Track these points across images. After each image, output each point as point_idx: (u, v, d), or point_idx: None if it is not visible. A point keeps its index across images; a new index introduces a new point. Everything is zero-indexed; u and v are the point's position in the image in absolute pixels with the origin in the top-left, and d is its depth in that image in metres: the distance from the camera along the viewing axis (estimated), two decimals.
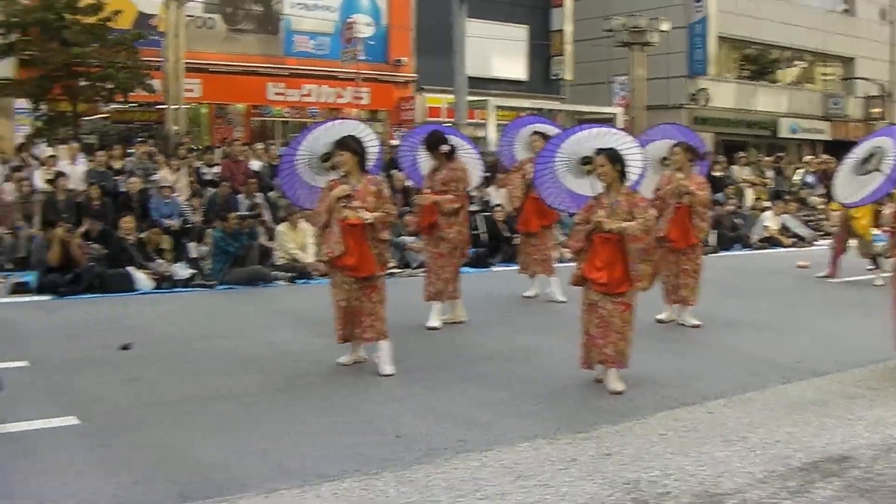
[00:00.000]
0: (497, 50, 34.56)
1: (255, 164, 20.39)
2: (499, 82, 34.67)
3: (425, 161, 11.07)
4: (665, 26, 35.04)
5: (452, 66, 27.19)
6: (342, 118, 10.09)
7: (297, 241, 15.46)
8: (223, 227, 14.72)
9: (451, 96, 28.85)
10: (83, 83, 22.98)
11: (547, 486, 5.46)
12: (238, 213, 15.85)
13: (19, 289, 13.33)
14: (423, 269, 11.57)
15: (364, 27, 31.17)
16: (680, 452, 6.13)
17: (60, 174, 16.91)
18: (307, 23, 30.91)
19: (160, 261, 14.54)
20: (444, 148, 10.63)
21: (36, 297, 12.99)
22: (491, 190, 19.23)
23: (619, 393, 7.69)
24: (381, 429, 6.68)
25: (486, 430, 6.67)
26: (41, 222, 15.55)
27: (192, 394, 7.70)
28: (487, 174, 12.85)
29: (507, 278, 14.11)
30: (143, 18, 26.78)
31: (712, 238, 18.90)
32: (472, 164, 11.24)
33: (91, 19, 22.61)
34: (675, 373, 8.54)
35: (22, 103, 24.96)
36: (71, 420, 6.84)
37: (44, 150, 20.07)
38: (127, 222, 14.56)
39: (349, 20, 30.59)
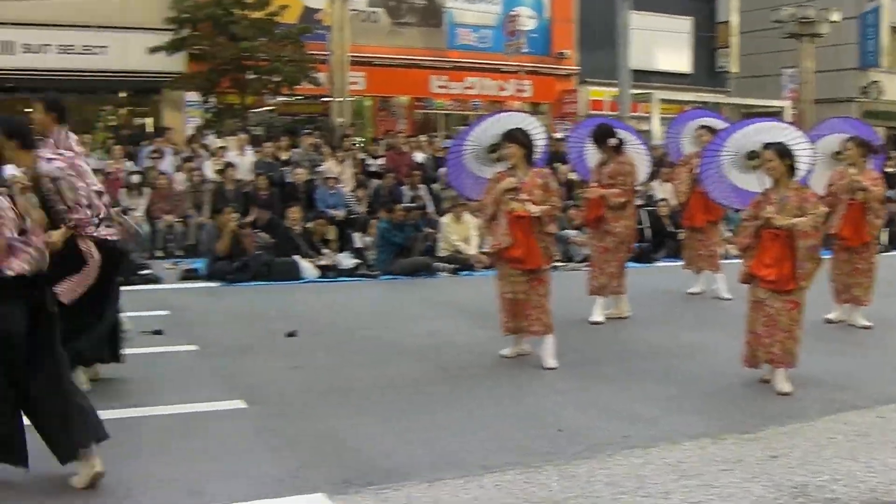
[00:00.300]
0: (661, 42, 34.08)
1: (419, 156, 20.55)
2: (662, 75, 34.13)
3: (592, 154, 10.96)
4: (835, 17, 33.99)
5: (615, 59, 26.94)
6: (510, 110, 10.07)
7: (461, 232, 15.48)
8: (389, 217, 14.86)
9: (613, 89, 28.59)
10: (251, 76, 23.52)
11: (711, 487, 5.35)
12: (404, 204, 16.00)
13: (189, 275, 13.76)
14: (587, 263, 11.47)
15: (527, 20, 31.12)
16: (849, 457, 5.91)
17: (229, 165, 17.38)
18: (470, 16, 30.97)
19: (325, 250, 14.80)
20: (613, 141, 10.50)
21: (205, 284, 13.38)
22: (655, 184, 18.91)
23: (787, 394, 7.47)
24: (544, 422, 6.64)
25: (650, 427, 6.57)
26: (210, 211, 16.01)
27: (356, 382, 7.78)
28: (653, 168, 12.66)
29: (672, 274, 13.88)
30: (309, 13, 27.18)
31: (884, 236, 18.17)
32: (640, 159, 11.08)
33: (259, 14, 23.13)
34: (844, 375, 8.24)
35: (192, 96, 25.75)
36: (238, 403, 7.00)
37: (213, 141, 20.62)
38: (294, 212, 14.84)
39: (512, 13, 30.61)
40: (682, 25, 35.46)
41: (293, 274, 13.79)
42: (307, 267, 13.97)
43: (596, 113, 28.98)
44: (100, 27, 25.35)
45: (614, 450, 5.99)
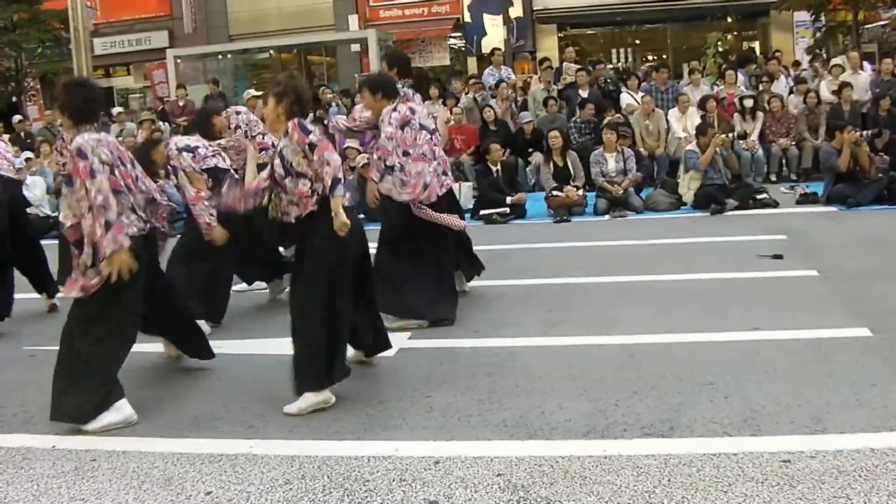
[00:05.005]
0: None
1: None
2: None
3: None
4: None
5: None
6: None
7: None
8: None
9: None
10: None
11: None
12: None
13: (806, 199, 13.49)
14: None
15: None
16: None
17: (845, 84, 16.71)
18: None
19: None
20: None
21: (823, 208, 13.02)
22: None
23: None
24: None
25: None
26: (826, 133, 15.53)
27: None
28: None
29: None
30: None
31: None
32: None
33: None
34: None
35: (801, 16, 25.19)
36: (862, 331, 6.76)
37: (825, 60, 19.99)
38: None
39: None
40: None
41: None
42: None
43: None
44: None
45: None
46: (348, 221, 5.62)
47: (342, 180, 5.65)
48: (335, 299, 5.76)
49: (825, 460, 4.47)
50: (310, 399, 5.71)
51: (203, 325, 7.64)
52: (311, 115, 6.11)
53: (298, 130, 5.70)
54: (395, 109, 7.58)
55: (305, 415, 5.65)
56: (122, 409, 5.69)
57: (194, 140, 8.09)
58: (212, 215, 7.63)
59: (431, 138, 7.77)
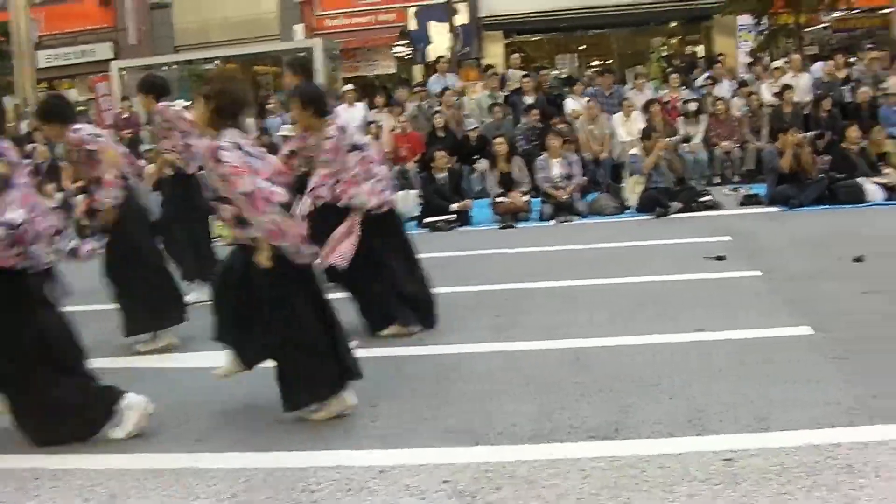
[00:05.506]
0: None
1: None
2: None
3: None
4: None
5: None
6: None
7: None
8: None
9: None
10: None
11: None
12: None
13: (749, 201, 13.65)
14: None
15: None
16: None
17: (787, 87, 16.90)
18: None
19: (888, 170, 13.88)
20: None
21: (766, 209, 13.19)
22: None
23: None
24: None
25: None
26: (768, 135, 15.73)
27: None
28: None
29: None
30: None
31: None
32: None
33: None
34: None
35: (744, 20, 25.41)
36: (805, 330, 6.83)
37: (767, 63, 20.17)
38: (852, 132, 14.07)
39: None
40: None
41: (858, 197, 13.10)
42: (872, 189, 13.19)
43: None
44: None
45: None
46: (268, 261, 5.25)
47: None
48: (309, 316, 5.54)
49: (768, 458, 4.51)
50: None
51: None
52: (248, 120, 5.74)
53: (213, 158, 5.18)
54: (328, 137, 7.09)
55: (252, 427, 5.61)
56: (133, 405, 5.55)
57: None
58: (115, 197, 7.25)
59: (364, 157, 7.30)
